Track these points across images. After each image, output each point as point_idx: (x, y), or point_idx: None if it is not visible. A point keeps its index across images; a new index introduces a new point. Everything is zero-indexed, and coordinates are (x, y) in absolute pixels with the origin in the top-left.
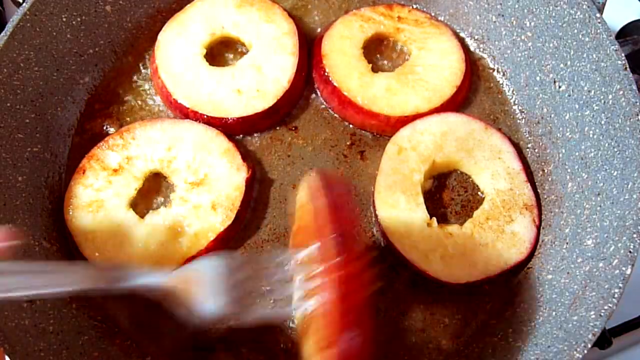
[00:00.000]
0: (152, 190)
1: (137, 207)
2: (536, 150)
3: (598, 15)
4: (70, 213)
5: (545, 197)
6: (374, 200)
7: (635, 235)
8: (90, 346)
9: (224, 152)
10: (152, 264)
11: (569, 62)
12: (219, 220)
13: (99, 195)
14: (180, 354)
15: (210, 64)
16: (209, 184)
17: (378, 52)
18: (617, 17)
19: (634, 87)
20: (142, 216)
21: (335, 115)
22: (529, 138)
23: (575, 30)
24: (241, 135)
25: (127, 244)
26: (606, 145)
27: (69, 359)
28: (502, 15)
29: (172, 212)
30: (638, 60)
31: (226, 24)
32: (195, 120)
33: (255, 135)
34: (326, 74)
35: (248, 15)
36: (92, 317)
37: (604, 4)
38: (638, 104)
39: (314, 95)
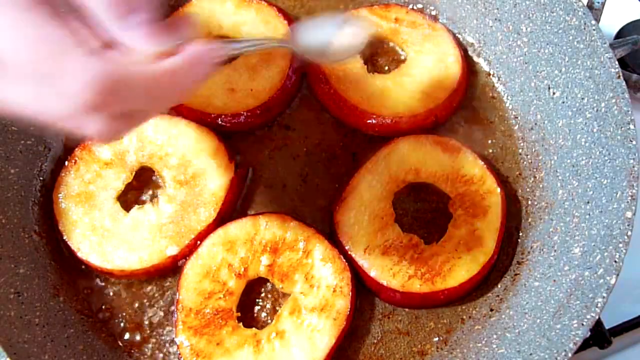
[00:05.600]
0: (140, 186)
1: (123, 201)
2: (529, 157)
3: (593, 22)
4: (59, 202)
5: (536, 204)
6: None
7: (621, 245)
8: (76, 339)
9: (214, 151)
10: (134, 259)
11: (563, 69)
12: (201, 220)
13: (88, 187)
14: None
15: None
16: (196, 183)
17: (374, 53)
18: (616, 17)
19: (627, 95)
20: (128, 210)
21: (330, 115)
22: (522, 144)
23: (571, 37)
24: (234, 134)
25: (111, 236)
26: (597, 153)
27: (52, 351)
28: (499, 20)
29: (157, 208)
30: (638, 60)
31: (224, 24)
32: (188, 117)
33: (248, 134)
34: (321, 74)
35: (245, 15)
36: (79, 310)
37: (603, 4)
38: (630, 112)
39: (308, 95)
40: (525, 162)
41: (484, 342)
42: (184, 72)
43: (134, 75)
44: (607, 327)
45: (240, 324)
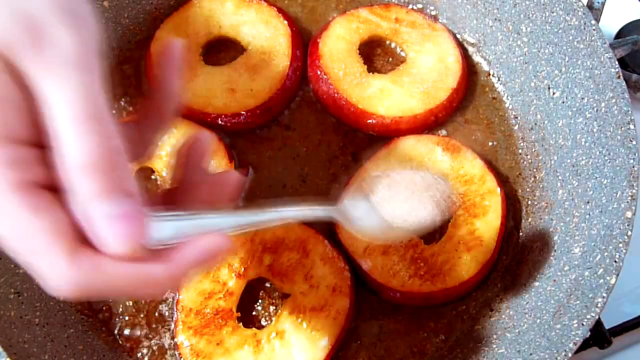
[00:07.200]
0: (140, 186)
1: None
2: (529, 157)
3: (593, 22)
4: None
5: (536, 204)
6: None
7: (621, 245)
8: (76, 339)
9: (214, 151)
10: None
11: (563, 69)
12: None
13: None
14: None
15: (205, 63)
16: None
17: (374, 53)
18: (616, 17)
19: (627, 95)
20: None
21: (330, 115)
22: (522, 144)
23: (571, 37)
24: (234, 134)
25: None
26: (597, 153)
27: (52, 351)
28: (499, 20)
29: None
30: (638, 60)
31: (224, 24)
32: (188, 117)
33: (248, 134)
34: (322, 74)
35: (245, 15)
36: (79, 310)
37: (603, 4)
38: (630, 112)
39: (309, 95)
40: (525, 162)
41: (484, 342)
42: (167, 279)
43: (111, 280)
44: (607, 327)
45: (240, 324)
